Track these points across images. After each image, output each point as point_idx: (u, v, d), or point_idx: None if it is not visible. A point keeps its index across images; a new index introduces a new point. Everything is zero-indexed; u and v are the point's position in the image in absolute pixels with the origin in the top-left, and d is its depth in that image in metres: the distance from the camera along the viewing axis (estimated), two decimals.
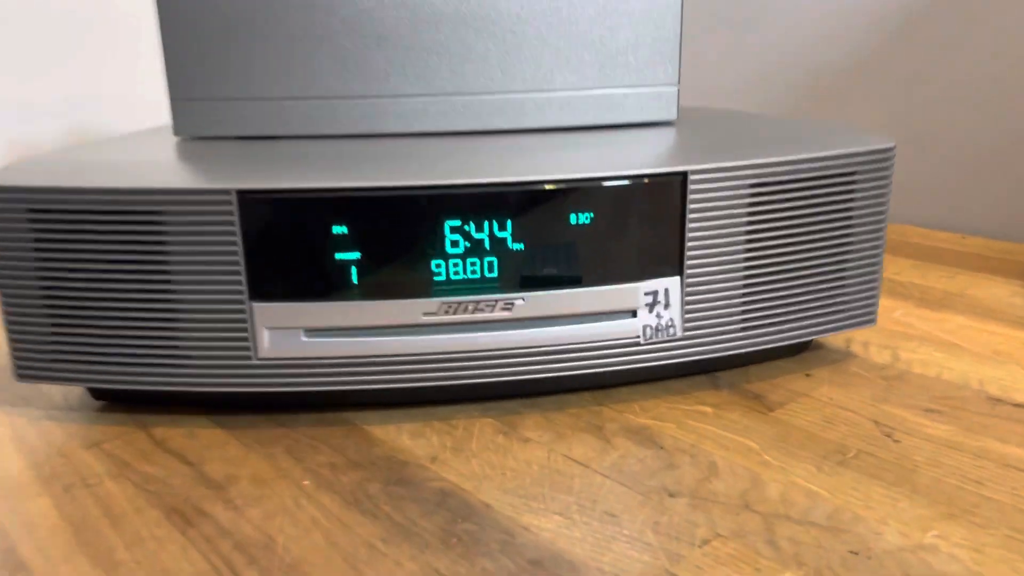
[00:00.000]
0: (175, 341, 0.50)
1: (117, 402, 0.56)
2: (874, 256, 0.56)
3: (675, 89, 0.61)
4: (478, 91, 0.58)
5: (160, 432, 0.52)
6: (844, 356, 0.61)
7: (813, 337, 0.56)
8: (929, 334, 0.64)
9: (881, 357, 0.60)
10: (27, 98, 0.98)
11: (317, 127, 0.58)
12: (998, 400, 0.53)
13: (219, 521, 0.43)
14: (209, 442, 0.51)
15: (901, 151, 0.99)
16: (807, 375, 0.58)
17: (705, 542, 0.40)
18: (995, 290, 0.73)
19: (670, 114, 0.61)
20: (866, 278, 0.56)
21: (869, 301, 0.57)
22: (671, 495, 0.44)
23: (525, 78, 0.58)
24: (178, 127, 0.59)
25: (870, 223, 0.55)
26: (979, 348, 0.61)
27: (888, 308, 0.70)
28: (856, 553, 0.39)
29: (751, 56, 1.12)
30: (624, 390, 0.56)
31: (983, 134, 0.92)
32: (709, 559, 0.39)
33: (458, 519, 0.42)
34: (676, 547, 0.40)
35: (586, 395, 0.56)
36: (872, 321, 0.58)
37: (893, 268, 0.80)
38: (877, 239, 0.56)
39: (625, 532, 0.41)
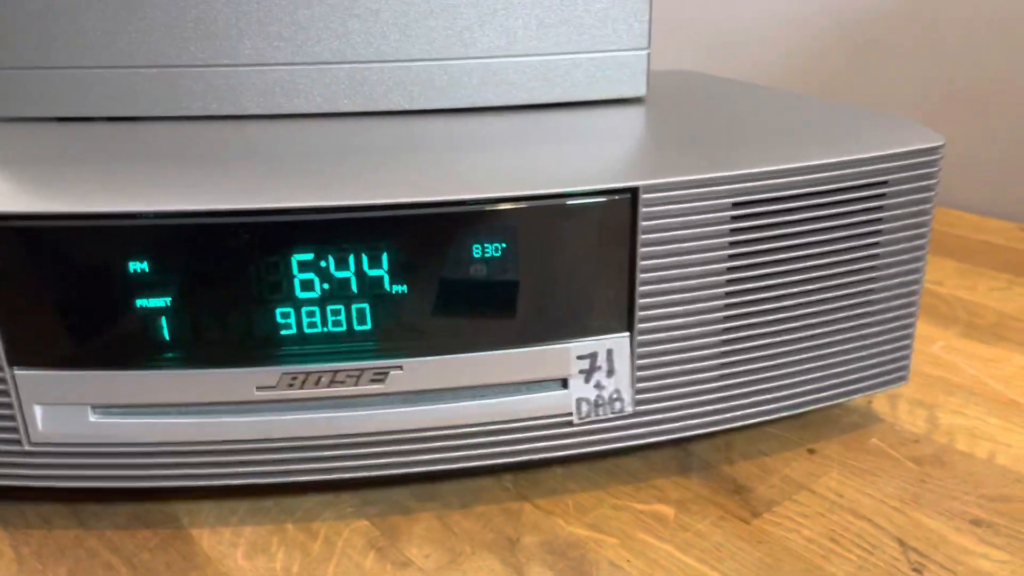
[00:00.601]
0: None
1: None
2: (909, 296, 0.41)
3: (644, 55, 0.44)
4: (366, 58, 0.42)
5: None
6: (863, 419, 0.45)
7: (820, 407, 0.41)
8: (979, 384, 0.49)
9: (913, 422, 0.45)
10: None
11: (146, 106, 0.43)
12: None
13: None
14: None
15: (955, 118, 0.81)
16: (810, 451, 0.43)
17: None
18: None
19: (636, 89, 0.45)
20: (896, 325, 0.41)
21: (899, 354, 0.42)
22: None
23: (432, 39, 0.42)
24: None
25: (905, 252, 0.40)
26: None
27: (925, 337, 0.54)
28: None
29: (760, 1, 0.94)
30: (559, 472, 0.41)
31: None
32: None
33: None
34: None
35: (507, 478, 0.41)
36: (903, 379, 0.43)
37: (934, 274, 0.63)
38: (914, 273, 0.40)
39: None
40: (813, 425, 0.45)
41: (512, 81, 0.44)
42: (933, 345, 0.53)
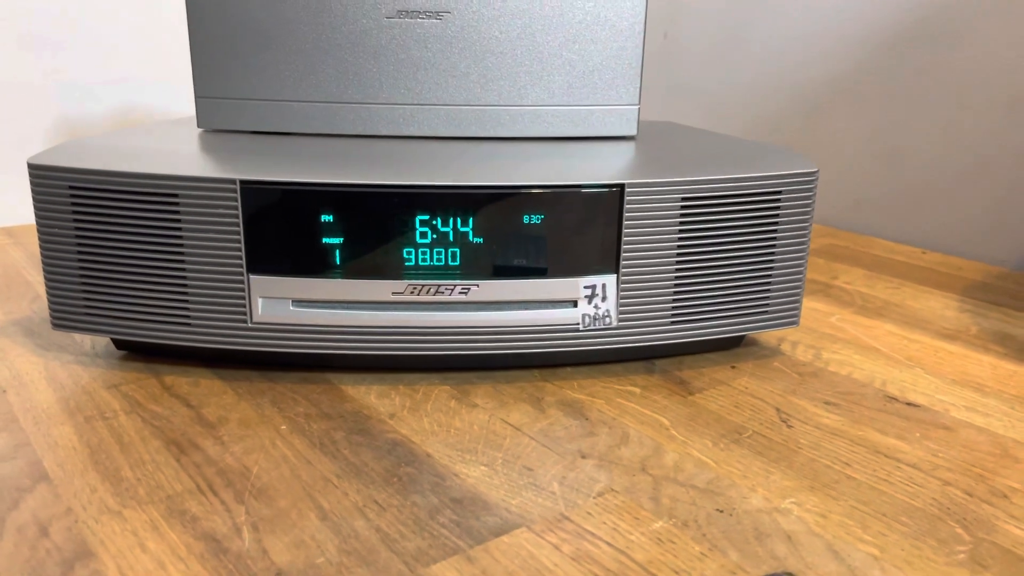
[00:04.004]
0: (186, 303, 0.59)
1: (136, 352, 0.66)
2: (798, 265, 0.64)
3: (635, 108, 0.68)
4: (459, 103, 0.67)
5: (170, 380, 0.62)
6: (772, 353, 0.68)
7: (738, 334, 0.64)
8: (856, 339, 0.72)
9: (805, 356, 0.68)
10: (86, 80, 1.08)
11: (319, 127, 0.67)
12: (893, 398, 0.61)
13: (208, 453, 0.52)
14: (209, 390, 0.60)
15: (876, 166, 1.05)
16: (733, 367, 0.66)
17: (599, 495, 0.48)
18: (932, 303, 0.80)
19: (631, 130, 0.69)
20: (789, 284, 0.64)
21: (792, 305, 0.65)
22: (583, 456, 0.52)
23: (501, 92, 0.67)
24: (201, 120, 0.68)
25: (794, 236, 0.63)
26: (895, 353, 0.69)
27: (827, 313, 0.77)
28: (721, 511, 0.47)
29: (741, 75, 1.19)
30: (569, 369, 0.64)
31: (951, 155, 0.98)
32: (599, 508, 0.47)
33: (402, 464, 0.51)
34: (574, 497, 0.48)
35: (535, 372, 0.64)
36: (795, 323, 0.65)
37: (846, 277, 0.87)
38: (800, 250, 0.63)
39: (536, 483, 0.49)
40: (738, 355, 0.68)
41: (550, 121, 0.68)
42: (831, 317, 0.76)
